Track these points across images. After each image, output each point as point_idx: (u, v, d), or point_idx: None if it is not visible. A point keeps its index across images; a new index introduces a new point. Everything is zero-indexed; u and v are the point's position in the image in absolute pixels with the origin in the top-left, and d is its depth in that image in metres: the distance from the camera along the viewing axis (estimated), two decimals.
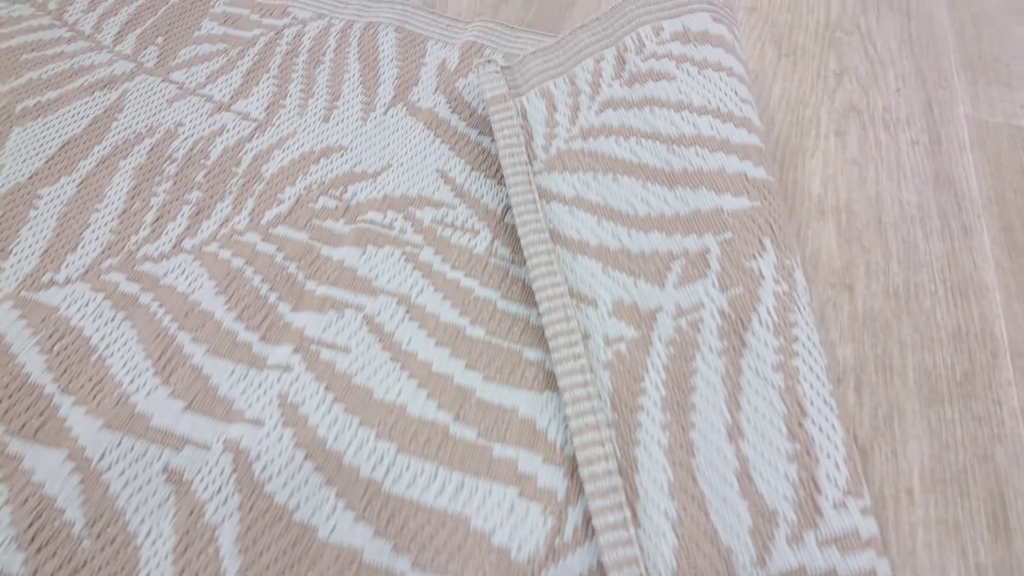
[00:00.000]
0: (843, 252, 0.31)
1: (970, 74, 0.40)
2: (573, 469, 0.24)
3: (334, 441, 0.25)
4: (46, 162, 0.33)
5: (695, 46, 0.32)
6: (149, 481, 0.23)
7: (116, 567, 0.22)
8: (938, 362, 0.28)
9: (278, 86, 0.37)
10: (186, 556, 0.22)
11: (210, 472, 0.24)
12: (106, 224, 0.31)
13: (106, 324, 0.27)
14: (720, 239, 0.27)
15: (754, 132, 0.30)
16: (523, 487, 0.24)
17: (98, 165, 0.33)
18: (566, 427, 0.25)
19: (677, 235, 0.28)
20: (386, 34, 0.40)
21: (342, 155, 0.34)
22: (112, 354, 0.26)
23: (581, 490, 0.24)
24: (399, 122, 0.35)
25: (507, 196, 0.32)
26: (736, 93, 0.31)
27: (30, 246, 0.30)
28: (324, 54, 0.39)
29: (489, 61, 0.33)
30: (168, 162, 0.33)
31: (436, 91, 0.37)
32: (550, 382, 0.26)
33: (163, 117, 0.35)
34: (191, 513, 0.23)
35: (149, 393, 0.26)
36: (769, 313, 0.25)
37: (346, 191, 0.32)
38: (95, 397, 0.25)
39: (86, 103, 0.35)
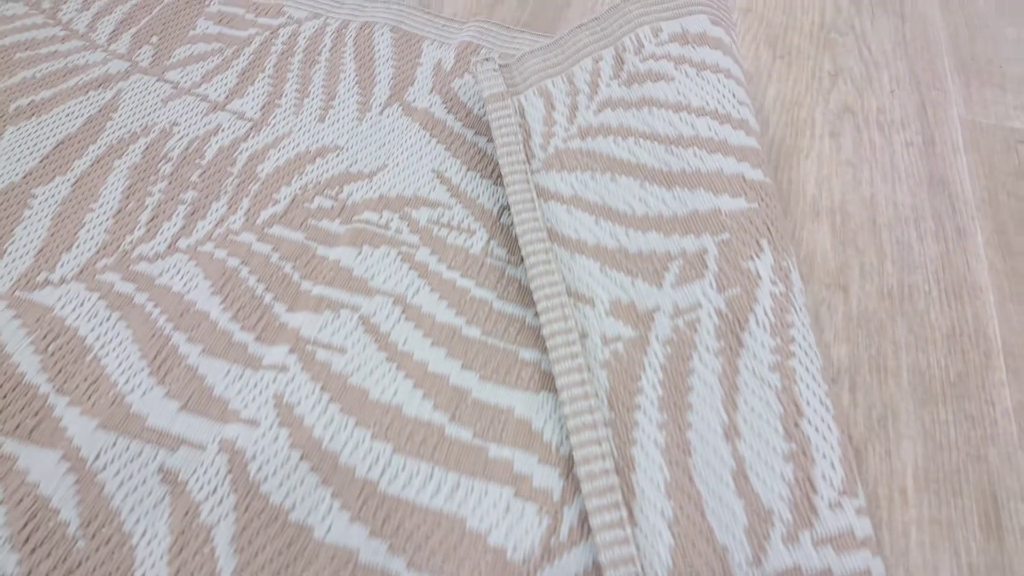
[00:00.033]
0: (837, 253, 0.32)
1: (964, 76, 0.40)
2: (569, 469, 0.24)
3: (330, 441, 0.25)
4: (40, 161, 0.33)
5: (693, 48, 0.32)
6: (144, 481, 0.23)
7: (111, 567, 0.22)
8: (932, 363, 0.28)
9: (273, 86, 0.37)
10: (181, 556, 0.22)
11: (205, 472, 0.24)
12: (101, 224, 0.30)
13: (101, 324, 0.27)
14: (718, 240, 0.27)
15: (751, 134, 0.30)
16: (519, 487, 0.24)
17: (93, 164, 0.33)
18: (562, 427, 0.25)
19: (675, 235, 0.28)
20: (382, 34, 0.40)
21: (338, 155, 0.34)
22: (107, 354, 0.26)
23: (576, 490, 0.24)
24: (395, 122, 0.35)
25: (503, 196, 0.32)
26: (734, 95, 0.31)
27: (24, 246, 0.29)
28: (320, 54, 0.39)
29: (487, 59, 0.33)
30: (163, 161, 0.33)
31: (432, 91, 0.37)
32: (546, 382, 0.26)
33: (158, 116, 0.35)
34: (186, 513, 0.23)
35: (144, 393, 0.25)
36: (766, 314, 0.25)
37: (342, 191, 0.32)
38: (90, 397, 0.25)
39: (80, 102, 0.35)
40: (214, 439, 0.24)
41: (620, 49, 0.33)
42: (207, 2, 0.42)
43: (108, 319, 0.27)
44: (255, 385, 0.26)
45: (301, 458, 0.24)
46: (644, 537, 0.22)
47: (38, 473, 0.23)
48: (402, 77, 0.38)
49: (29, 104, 0.35)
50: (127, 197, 0.32)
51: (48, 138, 0.34)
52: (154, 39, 0.39)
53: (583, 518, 0.23)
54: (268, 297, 0.28)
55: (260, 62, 0.38)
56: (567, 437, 0.25)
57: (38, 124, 0.34)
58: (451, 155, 0.34)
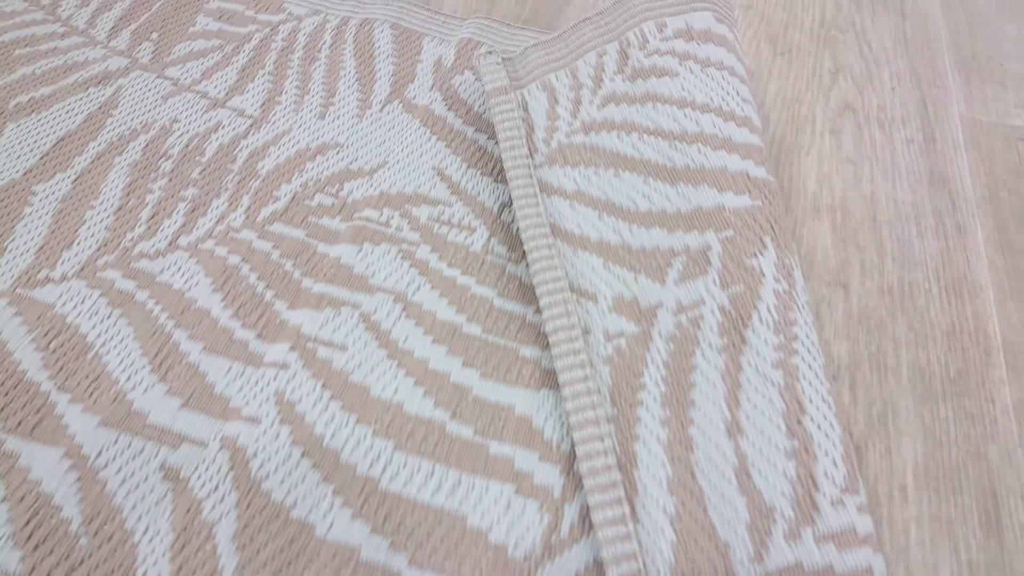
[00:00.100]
0: (838, 250, 0.32)
1: (964, 73, 0.40)
2: (569, 466, 0.24)
3: (331, 438, 0.25)
4: (40, 158, 0.32)
5: (698, 44, 0.32)
6: (146, 479, 0.23)
7: (113, 564, 0.22)
8: (932, 360, 0.28)
9: (273, 83, 0.37)
10: (183, 553, 0.22)
11: (207, 469, 0.24)
12: (101, 221, 0.30)
13: (102, 321, 0.27)
14: (721, 236, 0.27)
15: (755, 132, 0.30)
16: (519, 484, 0.24)
17: (93, 161, 0.33)
18: (562, 425, 0.25)
19: (679, 231, 0.28)
20: (382, 31, 0.40)
21: (338, 152, 0.34)
22: (108, 351, 0.26)
23: (577, 487, 0.24)
24: (395, 119, 0.35)
25: (504, 193, 0.32)
26: (738, 92, 0.31)
27: (25, 243, 0.29)
28: (320, 51, 0.39)
29: (490, 52, 0.33)
30: (163, 159, 0.33)
31: (432, 88, 0.37)
32: (547, 380, 0.26)
33: (158, 113, 0.35)
34: (188, 510, 0.23)
35: (146, 390, 0.25)
36: (769, 311, 0.25)
37: (342, 188, 0.32)
38: (91, 394, 0.25)
39: (80, 99, 0.35)
40: (215, 436, 0.24)
41: (624, 44, 0.33)
42: None
43: (109, 316, 0.27)
44: (256, 383, 0.26)
45: (302, 455, 0.24)
46: (646, 533, 0.22)
47: (40, 470, 0.23)
48: (402, 74, 0.37)
49: (29, 101, 0.35)
50: (128, 194, 0.31)
51: (48, 135, 0.33)
52: (154, 36, 0.39)
53: (584, 515, 0.23)
54: (269, 295, 0.28)
55: (260, 59, 0.38)
56: (568, 434, 0.25)
57: (38, 121, 0.34)
58: (451, 152, 0.34)
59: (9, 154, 0.33)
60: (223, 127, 0.35)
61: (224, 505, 0.23)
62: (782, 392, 0.24)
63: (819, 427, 0.23)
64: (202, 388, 0.26)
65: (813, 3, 0.44)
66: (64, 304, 0.28)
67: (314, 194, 0.32)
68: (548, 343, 0.26)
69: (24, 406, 0.25)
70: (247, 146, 0.34)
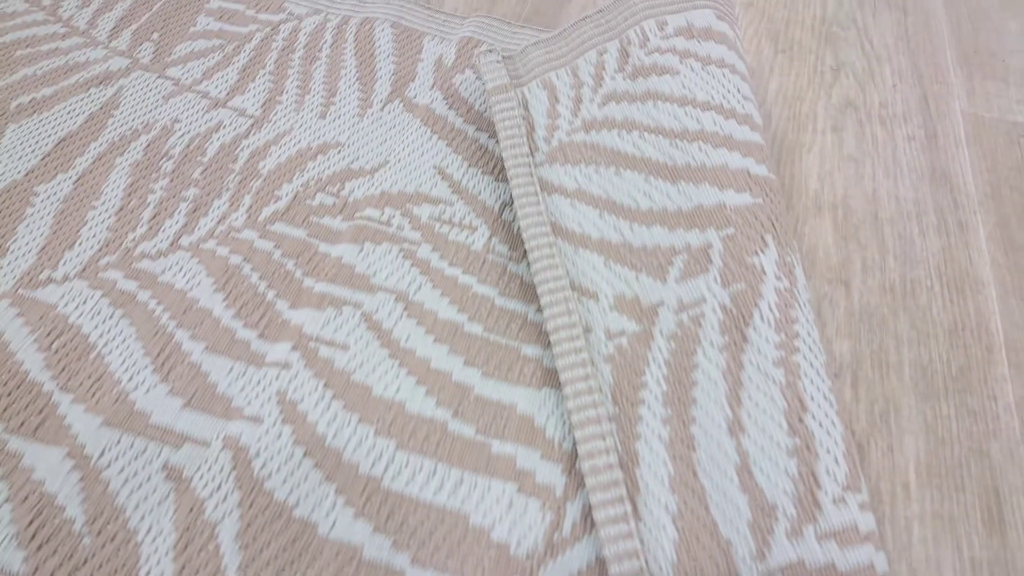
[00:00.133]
0: (839, 248, 0.32)
1: (966, 70, 0.40)
2: (571, 465, 0.24)
3: (333, 438, 0.25)
4: (42, 159, 0.33)
5: (699, 42, 0.32)
6: (149, 478, 0.23)
7: (116, 564, 0.22)
8: (934, 357, 0.28)
9: (274, 82, 0.37)
10: (186, 553, 0.22)
11: (209, 469, 0.24)
12: (103, 221, 0.30)
13: (104, 322, 0.27)
14: (722, 234, 0.27)
15: (756, 130, 0.30)
16: (522, 483, 0.24)
17: (94, 162, 0.33)
18: (564, 424, 0.25)
19: (679, 230, 0.28)
20: (382, 30, 0.40)
21: (339, 151, 0.34)
22: (111, 352, 0.26)
23: (579, 486, 0.24)
24: (396, 118, 0.35)
25: (505, 192, 0.32)
26: (739, 90, 0.31)
27: (27, 244, 0.29)
28: (320, 50, 0.39)
29: (490, 50, 0.33)
30: (165, 159, 0.33)
31: (433, 87, 0.37)
32: (548, 378, 0.26)
33: (159, 114, 0.35)
34: (191, 510, 0.23)
35: (148, 390, 0.25)
36: (770, 309, 0.25)
37: (343, 188, 0.32)
38: (94, 395, 0.25)
39: (82, 99, 0.35)
40: (218, 436, 0.24)
41: (625, 42, 0.33)
42: None
43: (111, 317, 0.27)
44: (258, 382, 0.26)
45: (305, 455, 0.24)
46: (648, 531, 0.22)
47: (43, 470, 0.23)
48: (403, 73, 0.37)
49: (30, 101, 0.35)
50: (129, 195, 0.32)
51: (50, 135, 0.33)
52: (155, 36, 0.39)
53: (586, 514, 0.23)
54: (270, 294, 0.28)
55: (261, 59, 0.38)
56: (570, 433, 0.25)
57: (39, 121, 0.34)
58: (452, 151, 0.34)
59: (11, 155, 0.33)
60: (224, 127, 0.35)
61: (227, 505, 0.23)
62: (783, 390, 0.24)
63: (821, 425, 0.23)
64: (204, 388, 0.26)
65: (814, 0, 0.44)
66: (66, 304, 0.28)
67: (315, 193, 0.32)
68: (549, 342, 0.26)
69: (27, 406, 0.25)
70: (248, 146, 0.34)
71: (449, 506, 0.23)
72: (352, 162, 0.33)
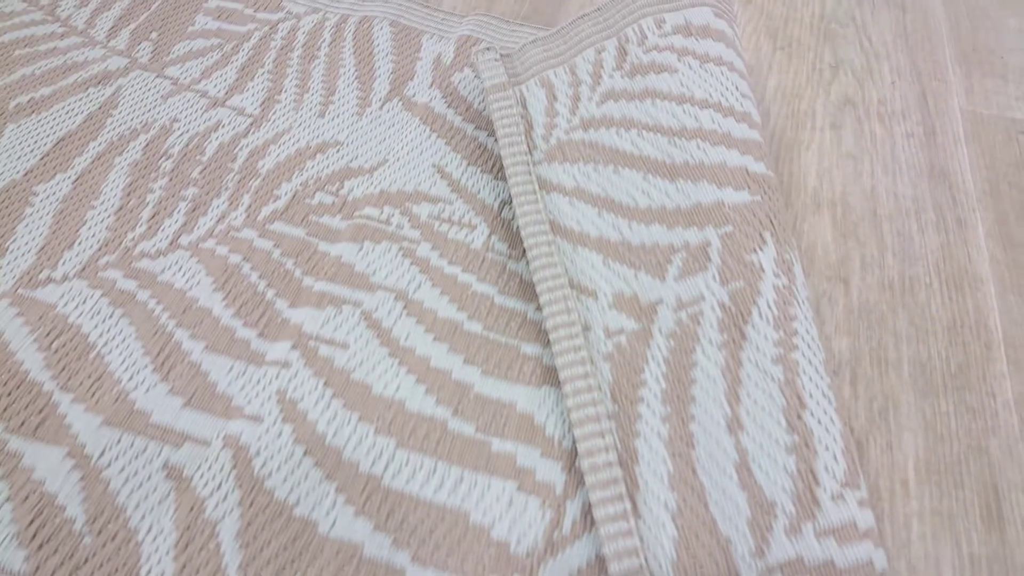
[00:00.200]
0: (839, 245, 0.32)
1: (965, 67, 0.40)
2: (571, 463, 0.24)
3: (333, 436, 0.25)
4: (41, 159, 0.33)
5: (697, 40, 0.32)
6: (149, 478, 0.24)
7: (117, 563, 0.22)
8: (933, 355, 0.28)
9: (273, 81, 0.37)
10: (187, 552, 0.22)
11: (210, 468, 0.24)
12: (102, 221, 0.30)
13: (104, 321, 0.27)
14: (721, 232, 0.27)
15: (754, 128, 0.30)
16: (522, 481, 0.24)
17: (93, 162, 0.33)
18: (564, 422, 0.25)
19: (678, 228, 0.28)
20: (381, 28, 0.40)
21: (338, 150, 0.34)
22: (110, 351, 0.26)
23: (579, 484, 0.24)
24: (395, 117, 0.35)
25: (504, 191, 0.32)
26: (737, 88, 0.31)
27: (26, 243, 0.29)
28: (319, 49, 0.39)
29: (488, 48, 0.33)
30: (164, 158, 0.33)
31: (432, 86, 0.37)
32: (548, 377, 0.26)
33: (158, 113, 0.35)
34: (191, 509, 0.23)
35: (148, 390, 0.26)
36: (769, 307, 0.25)
37: (342, 187, 0.32)
38: (94, 394, 0.25)
39: (80, 99, 0.35)
40: (218, 435, 0.25)
41: (623, 40, 0.33)
42: None
43: (111, 316, 0.27)
44: (258, 381, 0.26)
45: (305, 453, 0.24)
46: (648, 529, 0.22)
47: (43, 470, 0.23)
48: (402, 72, 0.37)
49: (29, 101, 0.35)
50: (128, 194, 0.32)
51: (48, 135, 0.33)
52: (153, 35, 0.39)
53: (586, 512, 0.23)
54: (270, 293, 0.28)
55: (259, 58, 0.38)
56: (569, 431, 0.25)
57: (38, 121, 0.34)
58: (451, 150, 0.34)
59: (10, 155, 0.33)
60: (223, 126, 0.35)
61: (227, 503, 0.23)
62: (782, 387, 0.24)
63: (819, 422, 0.23)
64: (204, 387, 0.26)
65: None
66: (66, 304, 0.28)
67: (314, 192, 0.32)
68: (549, 340, 0.26)
69: (27, 406, 0.25)
70: (247, 145, 0.34)
71: (449, 504, 0.23)
72: (351, 161, 0.33)
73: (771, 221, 0.27)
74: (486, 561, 0.22)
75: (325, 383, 0.26)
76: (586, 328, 0.26)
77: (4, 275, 0.28)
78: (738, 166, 0.29)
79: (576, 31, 0.34)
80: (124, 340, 0.27)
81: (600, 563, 0.22)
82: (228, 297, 0.28)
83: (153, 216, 0.31)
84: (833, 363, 0.28)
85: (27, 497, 0.23)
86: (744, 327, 0.25)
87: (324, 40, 0.39)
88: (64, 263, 0.29)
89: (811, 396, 0.23)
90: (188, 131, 0.34)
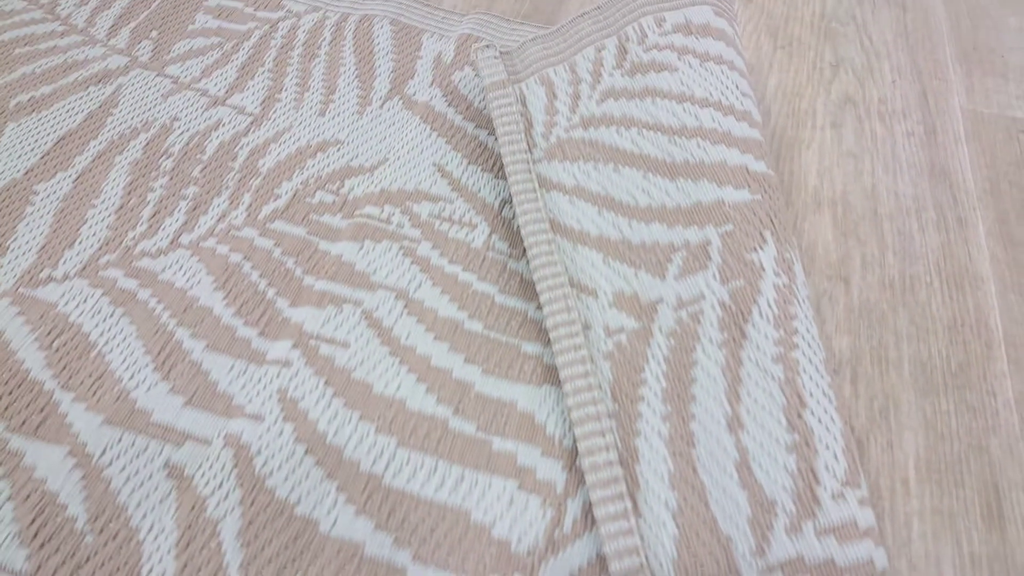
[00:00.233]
0: (839, 244, 0.32)
1: (966, 66, 0.40)
2: (572, 462, 0.24)
3: (334, 435, 0.25)
4: (41, 157, 0.33)
5: (697, 39, 0.32)
6: (150, 476, 0.24)
7: (119, 562, 0.22)
8: (933, 353, 0.28)
9: (273, 80, 0.37)
10: (188, 551, 0.22)
11: (211, 467, 0.24)
12: (103, 220, 0.30)
13: (105, 320, 0.27)
14: (721, 231, 0.27)
15: (755, 126, 0.30)
16: (522, 480, 0.24)
17: (94, 160, 0.33)
18: (565, 420, 0.25)
19: (678, 226, 0.28)
20: (381, 27, 0.40)
21: (338, 149, 0.34)
22: (111, 350, 0.26)
23: (580, 483, 0.24)
24: (395, 116, 0.35)
25: (504, 190, 0.32)
26: (737, 87, 0.31)
27: (27, 242, 0.29)
28: (319, 47, 0.39)
29: (488, 46, 0.33)
30: (164, 157, 0.33)
31: (432, 84, 0.37)
32: (549, 376, 0.27)
33: (158, 112, 0.35)
34: (192, 508, 0.23)
35: (149, 389, 0.26)
36: (769, 305, 0.25)
37: (343, 185, 0.32)
38: (95, 393, 0.25)
39: (80, 98, 0.35)
40: (219, 434, 0.25)
41: (623, 39, 0.33)
42: None
43: (112, 315, 0.27)
44: (259, 380, 0.26)
45: (306, 452, 0.24)
46: (648, 528, 0.22)
47: (45, 469, 0.23)
48: (402, 70, 0.37)
49: (29, 100, 0.35)
50: (129, 193, 0.32)
51: (49, 134, 0.33)
52: (153, 34, 0.39)
53: (586, 510, 0.23)
54: (271, 292, 0.28)
55: (260, 56, 0.38)
56: (570, 430, 0.25)
57: (39, 120, 0.34)
58: (452, 149, 0.34)
59: (10, 153, 0.33)
60: (223, 125, 0.35)
61: (228, 502, 0.23)
62: (782, 386, 0.24)
63: (820, 421, 0.23)
64: (205, 386, 0.26)
65: None
66: (66, 303, 0.28)
67: (315, 191, 0.32)
68: (549, 339, 0.26)
69: (28, 405, 0.25)
70: (248, 144, 0.34)
71: (450, 503, 0.23)
72: (351, 160, 0.33)
73: (771, 220, 0.27)
74: (487, 560, 0.22)
75: (326, 382, 0.26)
76: (586, 327, 0.26)
77: (5, 274, 0.28)
78: (738, 165, 0.29)
79: (576, 29, 0.34)
80: (125, 339, 0.27)
81: (601, 562, 0.22)
82: (229, 296, 0.28)
83: (154, 215, 0.31)
84: (833, 362, 0.28)
85: (28, 496, 0.23)
86: (744, 326, 0.25)
87: (324, 39, 0.39)
88: (65, 262, 0.29)
89: (811, 395, 0.23)
90: (188, 130, 0.34)
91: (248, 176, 0.32)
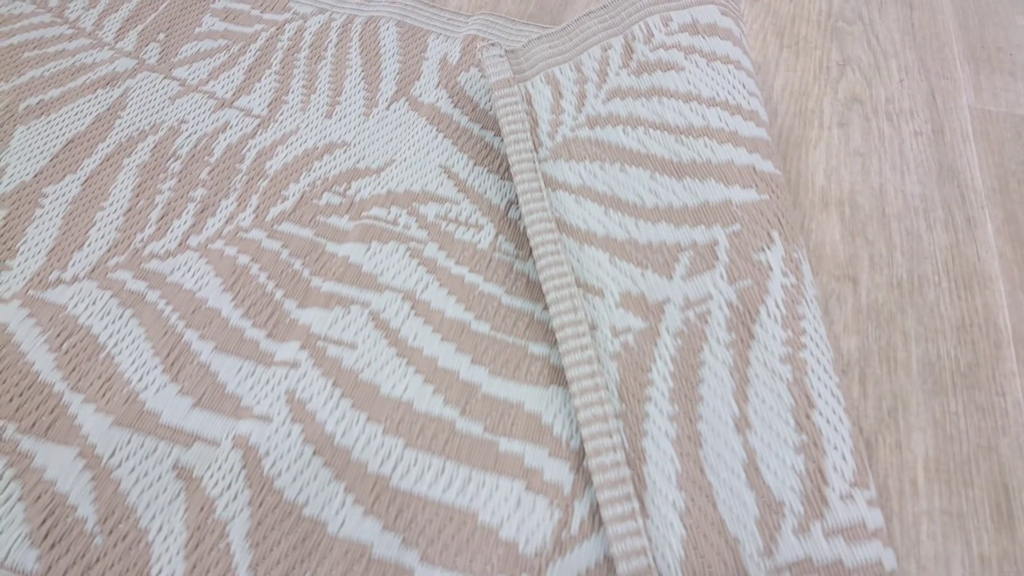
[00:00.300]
0: (847, 244, 0.31)
1: (973, 64, 0.40)
2: (579, 463, 0.24)
3: (342, 437, 0.25)
4: (51, 160, 0.33)
5: (704, 38, 0.32)
6: (159, 478, 0.24)
7: (128, 563, 0.22)
8: (942, 353, 0.28)
9: (280, 82, 0.37)
10: (197, 552, 0.22)
11: (220, 468, 0.24)
12: (112, 222, 0.31)
13: (114, 322, 0.27)
14: (729, 231, 0.27)
15: (762, 126, 0.30)
16: (530, 481, 0.24)
17: (102, 163, 0.33)
18: (572, 422, 0.25)
19: (685, 226, 0.28)
20: (387, 29, 0.40)
21: (345, 151, 0.34)
22: (120, 352, 0.27)
23: (587, 483, 0.24)
24: (402, 117, 0.35)
25: (511, 191, 0.32)
26: (744, 86, 0.31)
27: (36, 245, 0.30)
28: (326, 49, 0.39)
29: (493, 44, 0.33)
30: (172, 159, 0.33)
31: (438, 86, 0.37)
32: (555, 376, 0.27)
33: (166, 114, 0.35)
34: (202, 509, 0.23)
35: (158, 390, 0.26)
36: (777, 305, 0.25)
37: (350, 187, 0.32)
38: (104, 395, 0.25)
39: (89, 101, 0.35)
40: (228, 435, 0.25)
41: (629, 38, 0.33)
42: None
43: (120, 317, 0.28)
44: (267, 381, 0.26)
45: (314, 453, 0.24)
46: (656, 529, 0.22)
47: (55, 470, 0.24)
48: (408, 72, 0.38)
49: (38, 103, 0.35)
50: (137, 195, 0.32)
51: (58, 137, 0.34)
52: (161, 36, 0.39)
53: (594, 511, 0.23)
54: (279, 294, 0.29)
55: (266, 58, 0.38)
56: (577, 431, 0.25)
57: (47, 123, 0.34)
58: (458, 150, 0.34)
59: (19, 156, 0.33)
60: (231, 127, 0.35)
61: (237, 503, 0.23)
62: (790, 387, 0.24)
63: (828, 421, 0.23)
64: (214, 387, 0.26)
65: None
66: (76, 305, 0.28)
67: (322, 193, 0.32)
68: (556, 339, 0.26)
69: (38, 406, 0.25)
70: (255, 146, 0.34)
71: (457, 504, 0.23)
72: (358, 161, 0.33)
73: (779, 220, 0.27)
74: (494, 561, 0.22)
75: (334, 383, 0.26)
76: (593, 327, 0.26)
77: (15, 276, 0.29)
78: (745, 164, 0.29)
79: (582, 28, 0.34)
80: (134, 341, 0.27)
81: (608, 563, 0.22)
82: (237, 298, 0.28)
83: (162, 217, 0.31)
84: (842, 362, 0.28)
85: (39, 497, 0.23)
86: (752, 326, 0.25)
87: (331, 40, 0.39)
88: (74, 264, 0.29)
89: (820, 395, 0.23)
90: (196, 132, 0.34)
91: (255, 178, 0.33)
